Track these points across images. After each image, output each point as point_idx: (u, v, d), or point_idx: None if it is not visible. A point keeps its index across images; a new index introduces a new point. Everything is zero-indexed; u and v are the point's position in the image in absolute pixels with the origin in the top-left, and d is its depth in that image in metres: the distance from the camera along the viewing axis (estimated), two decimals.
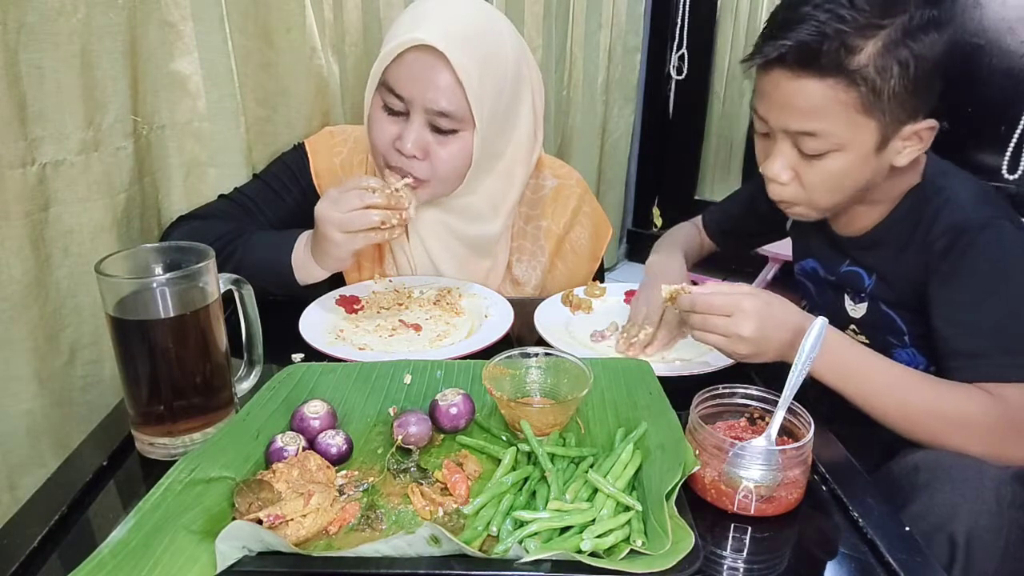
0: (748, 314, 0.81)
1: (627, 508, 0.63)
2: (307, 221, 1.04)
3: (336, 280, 1.15)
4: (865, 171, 0.90)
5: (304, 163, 1.18)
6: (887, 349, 0.86)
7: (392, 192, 0.99)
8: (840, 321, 1.02)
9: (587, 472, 0.67)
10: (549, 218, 1.22)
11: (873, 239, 0.97)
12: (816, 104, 0.85)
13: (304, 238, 1.05)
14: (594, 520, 0.62)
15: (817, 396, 1.06)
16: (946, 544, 0.71)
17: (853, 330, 1.03)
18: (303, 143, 1.21)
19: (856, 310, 1.01)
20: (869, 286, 0.99)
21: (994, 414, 0.80)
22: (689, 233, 1.30)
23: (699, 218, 1.32)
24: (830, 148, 0.87)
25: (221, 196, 1.17)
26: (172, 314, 0.72)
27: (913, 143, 0.89)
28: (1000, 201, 0.93)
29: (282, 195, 1.18)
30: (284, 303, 1.06)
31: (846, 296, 1.03)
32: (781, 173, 0.91)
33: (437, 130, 1.02)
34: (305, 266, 1.04)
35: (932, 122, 0.88)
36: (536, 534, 0.61)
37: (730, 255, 1.36)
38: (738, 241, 1.32)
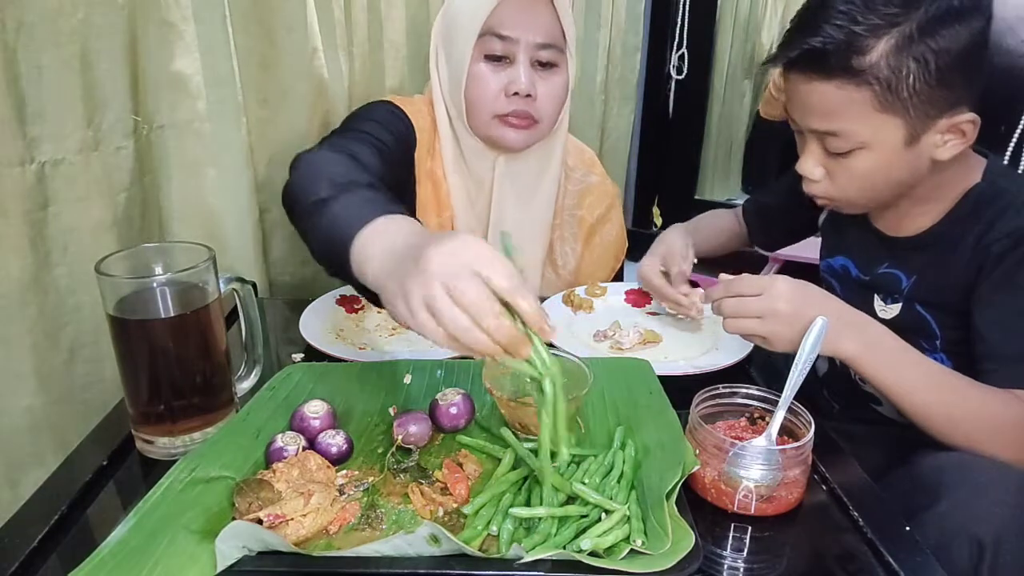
0: (781, 290, 0.81)
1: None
2: (406, 179, 1.09)
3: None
4: (898, 167, 0.88)
5: (408, 123, 1.13)
6: None
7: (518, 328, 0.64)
8: None
9: (571, 481, 0.66)
10: (585, 208, 1.27)
11: (926, 240, 0.95)
12: (831, 105, 0.85)
13: (400, 228, 0.71)
14: (595, 520, 0.62)
15: (843, 385, 1.06)
16: (973, 546, 0.69)
17: None
18: (393, 102, 1.14)
19: (887, 311, 0.99)
20: (906, 287, 0.97)
21: None
22: (717, 215, 1.30)
23: (739, 207, 1.32)
24: (854, 146, 0.87)
25: (348, 130, 1.05)
26: (172, 314, 0.72)
27: (954, 137, 0.86)
28: None
29: (398, 142, 1.09)
30: (284, 303, 1.06)
31: (876, 297, 1.01)
32: (813, 171, 0.92)
33: (539, 65, 1.09)
34: (375, 260, 0.70)
35: (972, 116, 0.85)
36: (536, 533, 0.61)
37: (759, 246, 1.34)
38: (771, 229, 1.29)
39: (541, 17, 1.07)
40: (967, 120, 0.85)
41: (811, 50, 0.83)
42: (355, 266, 0.72)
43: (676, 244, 1.12)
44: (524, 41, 1.06)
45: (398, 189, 0.96)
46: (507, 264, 0.63)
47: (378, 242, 0.70)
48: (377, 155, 0.97)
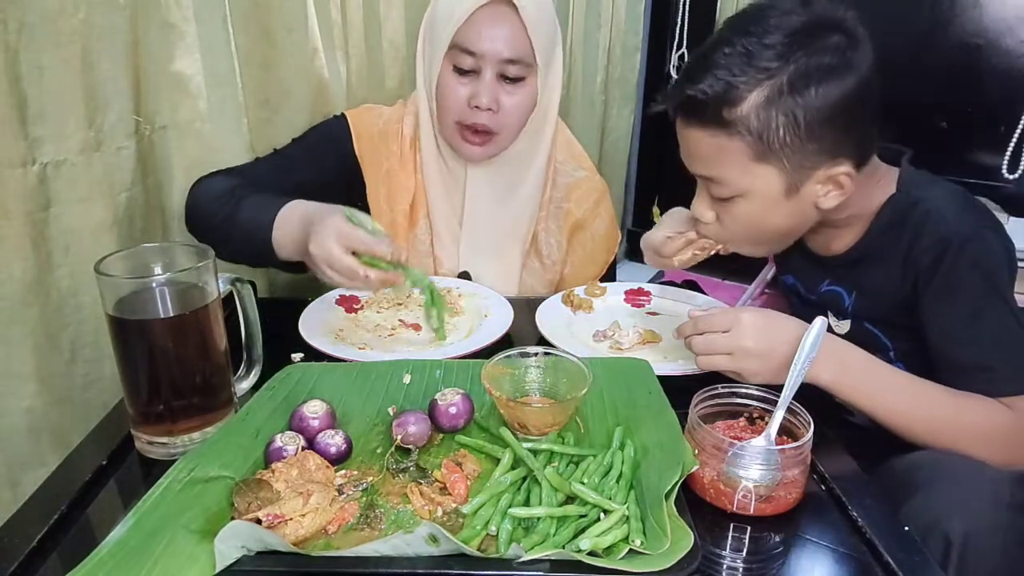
0: (746, 326, 0.82)
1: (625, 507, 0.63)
2: (343, 186, 1.17)
3: None
4: (780, 215, 0.90)
5: (345, 130, 1.22)
6: None
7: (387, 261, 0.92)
8: None
9: (569, 481, 0.66)
10: (572, 202, 1.29)
11: (854, 256, 0.96)
12: (707, 152, 0.88)
13: (294, 217, 0.97)
14: (594, 519, 0.62)
15: (816, 396, 1.06)
16: (941, 542, 0.70)
17: None
18: (343, 113, 1.25)
19: (839, 327, 1.01)
20: (849, 305, 0.98)
21: (1018, 427, 0.81)
22: None
23: None
24: (734, 193, 0.89)
25: (258, 158, 1.21)
26: (172, 314, 0.73)
27: (833, 187, 0.88)
28: (980, 206, 0.92)
29: (322, 158, 1.21)
30: (284, 303, 1.06)
31: (829, 314, 1.02)
32: (704, 213, 0.95)
33: (505, 80, 1.11)
34: (288, 250, 0.99)
35: (847, 168, 0.86)
36: (534, 533, 0.61)
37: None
38: None
39: (508, 33, 1.08)
40: (843, 172, 0.86)
41: (688, 98, 0.86)
42: (278, 250, 0.99)
43: (681, 211, 1.13)
44: (490, 56, 1.09)
45: (325, 186, 1.12)
46: (356, 233, 0.91)
47: (283, 229, 0.98)
48: (276, 169, 1.16)
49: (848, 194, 0.88)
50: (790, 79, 0.82)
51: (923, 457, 0.79)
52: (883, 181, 0.93)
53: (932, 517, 0.71)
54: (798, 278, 1.07)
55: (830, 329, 1.00)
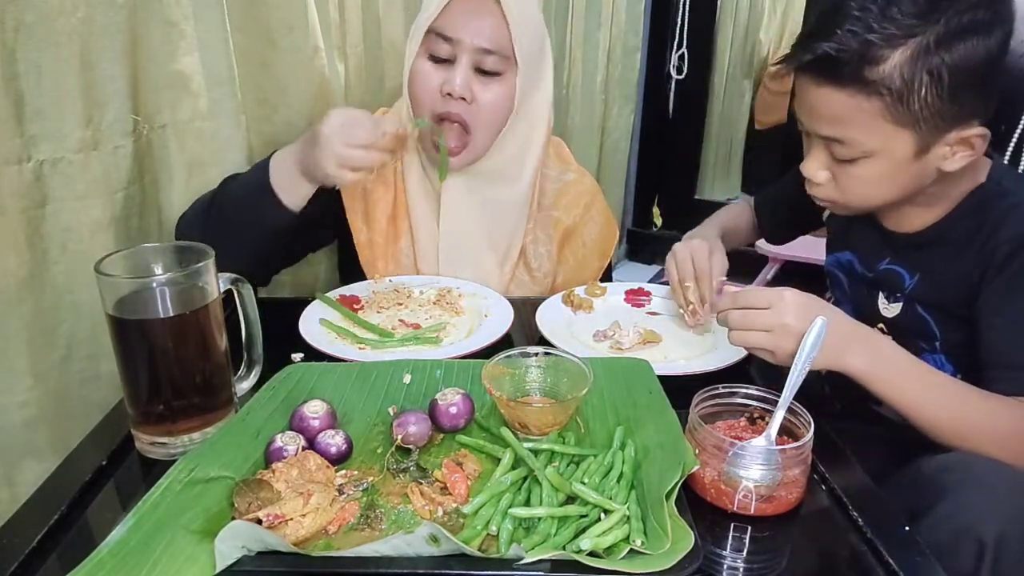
0: (790, 304, 0.80)
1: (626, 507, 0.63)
2: (326, 205, 1.12)
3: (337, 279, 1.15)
4: (904, 177, 0.87)
5: None
6: (916, 354, 0.84)
7: (394, 134, 1.01)
8: (870, 319, 1.00)
9: (570, 481, 0.66)
10: (561, 209, 1.25)
11: (928, 237, 0.94)
12: (840, 112, 0.84)
13: (282, 159, 1.03)
14: (595, 520, 0.62)
15: (824, 393, 1.06)
16: (975, 546, 0.69)
17: (881, 329, 1.00)
18: None
19: (889, 309, 0.99)
20: (909, 286, 0.96)
21: None
22: (737, 209, 1.27)
23: (752, 199, 1.31)
24: (860, 155, 0.86)
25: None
26: (172, 314, 0.72)
27: (963, 149, 0.85)
28: None
29: None
30: (284, 303, 1.06)
31: (880, 294, 1.00)
32: (817, 173, 0.91)
33: (482, 72, 1.08)
34: (292, 185, 1.02)
35: (982, 130, 0.84)
36: (535, 533, 0.61)
37: (768, 239, 1.33)
38: (780, 222, 1.28)
39: (488, 23, 1.06)
40: (977, 134, 0.84)
41: (824, 56, 0.82)
42: (280, 194, 1.01)
43: (705, 239, 1.09)
44: (467, 44, 1.05)
45: (309, 207, 1.07)
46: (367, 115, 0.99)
47: (280, 171, 1.01)
48: None
49: (978, 155, 0.86)
50: (937, 36, 0.78)
51: (951, 459, 0.77)
52: (977, 167, 0.91)
53: (964, 521, 0.70)
54: (856, 253, 1.04)
55: (876, 311, 0.99)
